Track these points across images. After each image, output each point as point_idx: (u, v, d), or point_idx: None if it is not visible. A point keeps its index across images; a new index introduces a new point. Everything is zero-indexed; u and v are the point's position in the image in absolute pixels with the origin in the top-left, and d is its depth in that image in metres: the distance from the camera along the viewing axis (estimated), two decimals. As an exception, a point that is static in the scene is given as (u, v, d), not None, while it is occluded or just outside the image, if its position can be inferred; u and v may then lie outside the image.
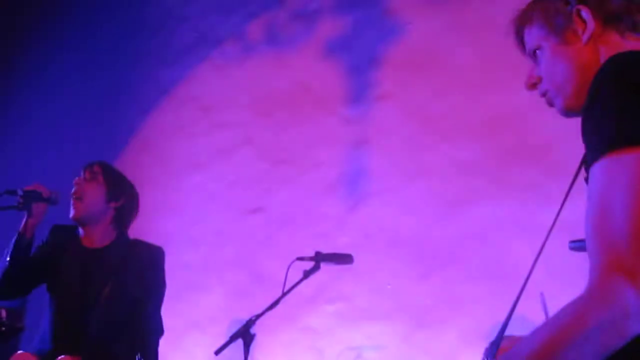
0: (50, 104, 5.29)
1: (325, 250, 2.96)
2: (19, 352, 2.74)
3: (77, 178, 2.91)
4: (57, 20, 5.52)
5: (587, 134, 1.19)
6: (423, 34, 3.96)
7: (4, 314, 3.55)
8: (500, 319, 3.11)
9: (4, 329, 3.49)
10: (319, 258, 2.89)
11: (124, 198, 2.94)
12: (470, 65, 3.72)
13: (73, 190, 2.86)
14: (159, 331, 2.87)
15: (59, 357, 2.58)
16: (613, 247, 1.06)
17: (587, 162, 1.19)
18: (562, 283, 3.12)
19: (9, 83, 5.66)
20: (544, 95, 1.51)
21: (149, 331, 2.82)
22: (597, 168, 1.13)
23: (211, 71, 4.70)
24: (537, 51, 1.49)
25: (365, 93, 4.08)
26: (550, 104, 1.50)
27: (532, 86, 1.53)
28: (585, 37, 1.40)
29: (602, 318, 1.03)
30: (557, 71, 1.45)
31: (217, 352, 2.69)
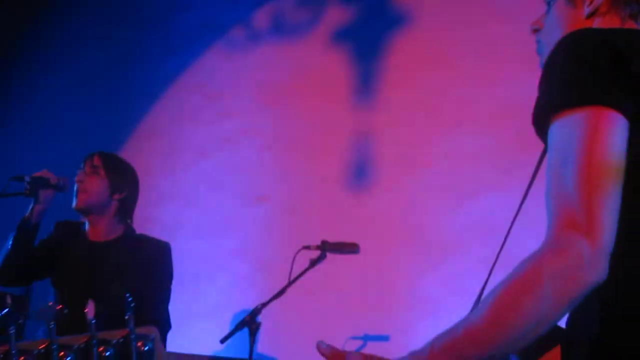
0: (57, 92, 5.28)
1: (331, 239, 2.95)
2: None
3: (78, 172, 2.88)
4: (64, 10, 5.51)
5: (542, 94, 1.25)
6: (430, 23, 3.94)
7: (9, 299, 3.56)
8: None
9: (7, 310, 3.50)
10: (325, 247, 2.90)
11: (127, 188, 2.92)
12: (479, 55, 3.70)
13: (75, 187, 2.84)
14: (166, 326, 2.85)
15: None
16: (567, 204, 1.10)
17: (540, 117, 1.24)
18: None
19: (15, 71, 5.66)
20: (537, 42, 1.54)
21: (155, 325, 2.80)
22: (552, 129, 1.18)
23: (217, 59, 4.68)
24: (550, 2, 1.51)
25: (371, 82, 4.06)
26: (538, 52, 1.54)
27: (534, 31, 1.56)
28: (588, 10, 1.42)
29: (556, 268, 1.06)
30: (553, 29, 1.47)
31: (222, 341, 2.70)
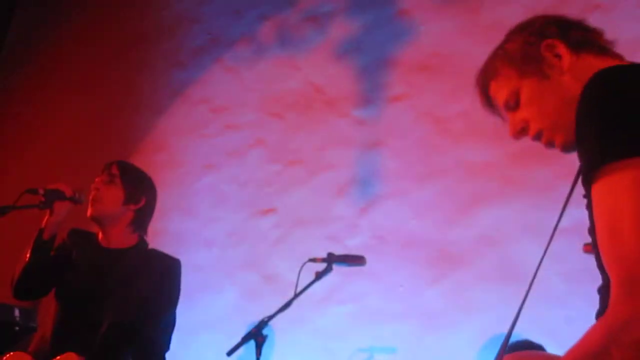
0: (64, 106, 5.32)
1: (337, 251, 2.95)
2: (12, 352, 2.72)
3: (96, 179, 2.88)
4: (72, 22, 5.55)
5: (581, 151, 1.19)
6: (435, 36, 3.95)
7: (17, 313, 3.56)
8: (512, 321, 3.10)
9: (17, 328, 3.50)
10: (332, 259, 2.89)
11: (143, 199, 2.91)
12: (483, 67, 3.71)
13: (91, 195, 2.84)
14: (164, 346, 2.84)
15: (66, 354, 2.57)
16: (630, 265, 1.06)
17: (584, 177, 1.18)
18: (577, 286, 3.11)
19: (23, 86, 5.70)
20: (537, 137, 1.44)
21: (155, 342, 2.78)
22: (597, 184, 1.13)
23: (223, 73, 4.71)
24: (513, 99, 1.43)
25: (377, 95, 4.08)
26: (549, 144, 1.44)
27: (521, 132, 1.46)
28: (565, 67, 1.37)
29: (628, 339, 1.03)
30: (546, 106, 1.40)
31: (229, 353, 2.69)
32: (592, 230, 1.27)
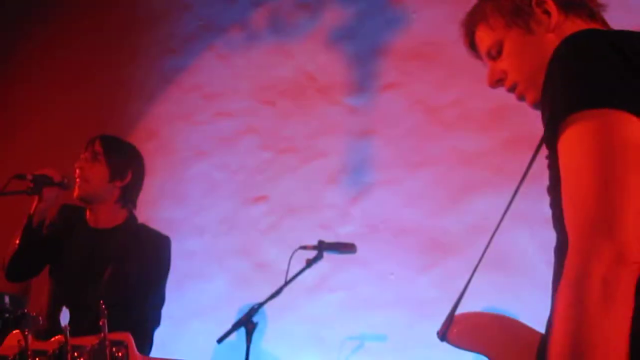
0: (54, 91, 5.28)
1: (328, 239, 2.96)
2: (14, 331, 2.73)
3: (80, 156, 2.85)
4: (63, 10, 5.51)
5: (546, 105, 1.21)
6: (428, 24, 3.94)
7: (7, 300, 3.55)
8: (504, 309, 3.13)
9: (7, 315, 3.49)
10: (322, 247, 2.89)
11: (129, 174, 2.88)
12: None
13: (76, 174, 2.82)
14: (155, 322, 2.84)
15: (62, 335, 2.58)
16: (585, 211, 1.09)
17: (547, 132, 1.20)
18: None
19: (13, 73, 5.65)
20: (512, 89, 1.47)
21: (145, 319, 2.79)
22: (563, 136, 1.15)
23: (215, 60, 4.68)
24: (496, 48, 1.46)
25: (369, 83, 4.07)
26: (520, 98, 1.47)
27: (497, 82, 1.49)
28: (552, 25, 1.39)
29: (593, 283, 1.04)
30: (526, 60, 1.42)
31: (219, 340, 2.70)
32: (551, 189, 1.30)
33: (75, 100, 5.12)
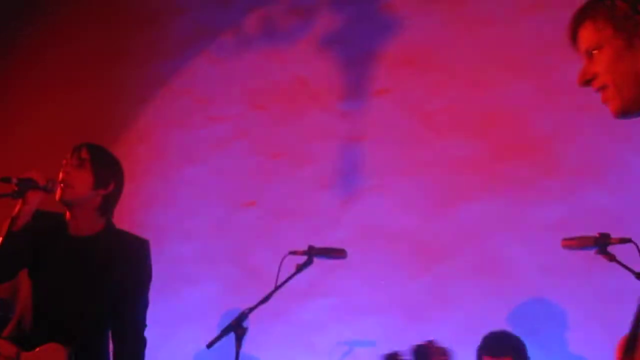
0: (45, 93, 5.27)
1: (318, 244, 2.95)
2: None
3: (64, 162, 2.85)
4: (55, 12, 5.49)
5: None
6: (420, 30, 3.96)
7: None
8: (492, 314, 3.12)
9: (-6, 318, 3.47)
10: (312, 252, 2.88)
11: (112, 184, 2.90)
12: (467, 62, 3.71)
13: (60, 177, 2.82)
14: (142, 325, 2.85)
15: (49, 344, 2.58)
16: None
17: None
18: (556, 281, 3.13)
19: (4, 76, 5.63)
20: (600, 89, 1.49)
21: (131, 324, 2.81)
22: None
23: (208, 64, 4.68)
24: (596, 50, 1.48)
25: (361, 88, 4.07)
26: (605, 101, 1.49)
27: (586, 83, 1.52)
28: None
29: None
30: (621, 72, 1.45)
31: (209, 346, 2.69)
32: None
33: (67, 103, 5.10)
